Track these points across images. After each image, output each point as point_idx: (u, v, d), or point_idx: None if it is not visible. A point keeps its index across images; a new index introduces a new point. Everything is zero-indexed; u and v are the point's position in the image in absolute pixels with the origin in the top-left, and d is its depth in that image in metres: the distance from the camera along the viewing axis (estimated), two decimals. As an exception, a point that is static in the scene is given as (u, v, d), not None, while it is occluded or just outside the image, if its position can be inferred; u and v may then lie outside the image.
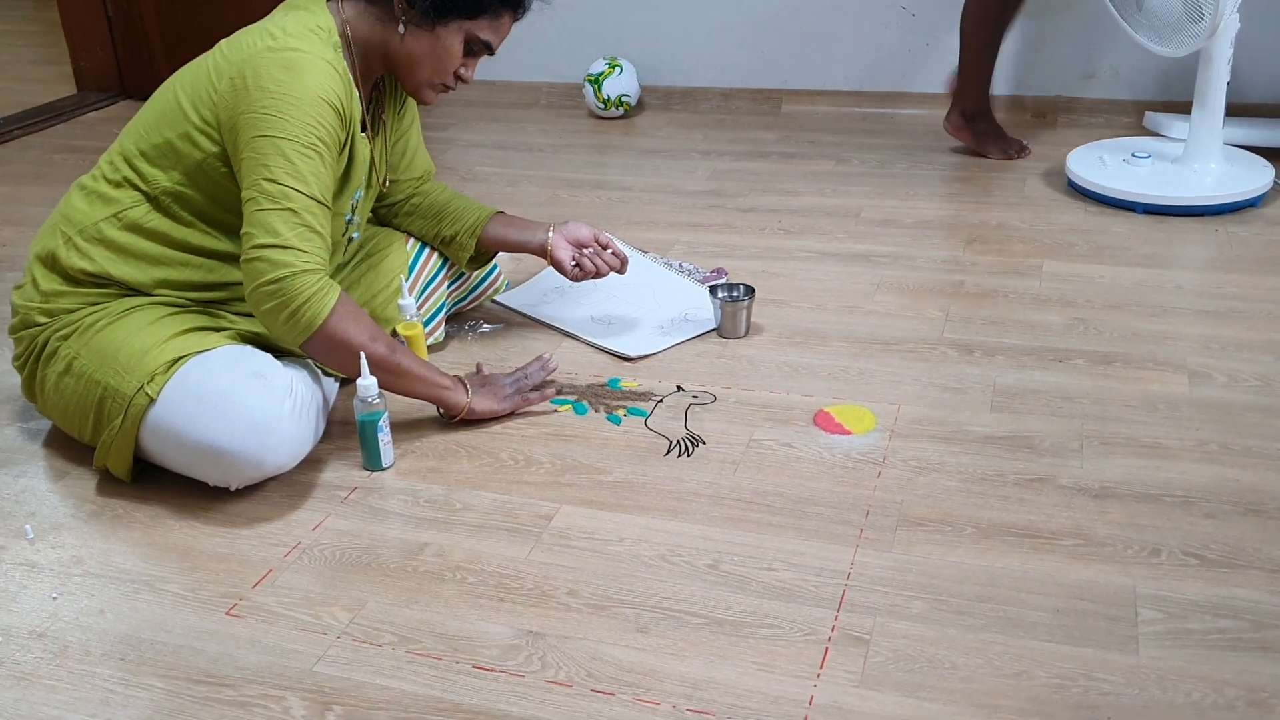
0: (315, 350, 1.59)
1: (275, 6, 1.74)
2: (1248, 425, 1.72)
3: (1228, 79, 2.54)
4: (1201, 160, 2.62)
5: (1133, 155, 2.71)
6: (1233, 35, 2.47)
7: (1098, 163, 2.73)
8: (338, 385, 1.87)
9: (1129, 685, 1.24)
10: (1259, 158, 2.68)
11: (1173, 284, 2.22)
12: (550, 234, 1.97)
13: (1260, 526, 1.49)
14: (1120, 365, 1.92)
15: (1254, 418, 1.74)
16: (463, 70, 1.77)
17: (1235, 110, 2.73)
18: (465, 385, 1.77)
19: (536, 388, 1.85)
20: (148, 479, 1.66)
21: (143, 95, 3.85)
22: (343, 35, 1.69)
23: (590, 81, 3.45)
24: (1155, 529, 1.49)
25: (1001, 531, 1.50)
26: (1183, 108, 2.90)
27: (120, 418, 1.57)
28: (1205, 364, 1.90)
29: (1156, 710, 1.20)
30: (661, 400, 1.86)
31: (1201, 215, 2.54)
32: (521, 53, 3.53)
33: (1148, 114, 3.01)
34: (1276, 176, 2.62)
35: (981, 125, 2.95)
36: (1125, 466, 1.63)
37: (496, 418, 1.80)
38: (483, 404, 1.78)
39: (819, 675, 1.27)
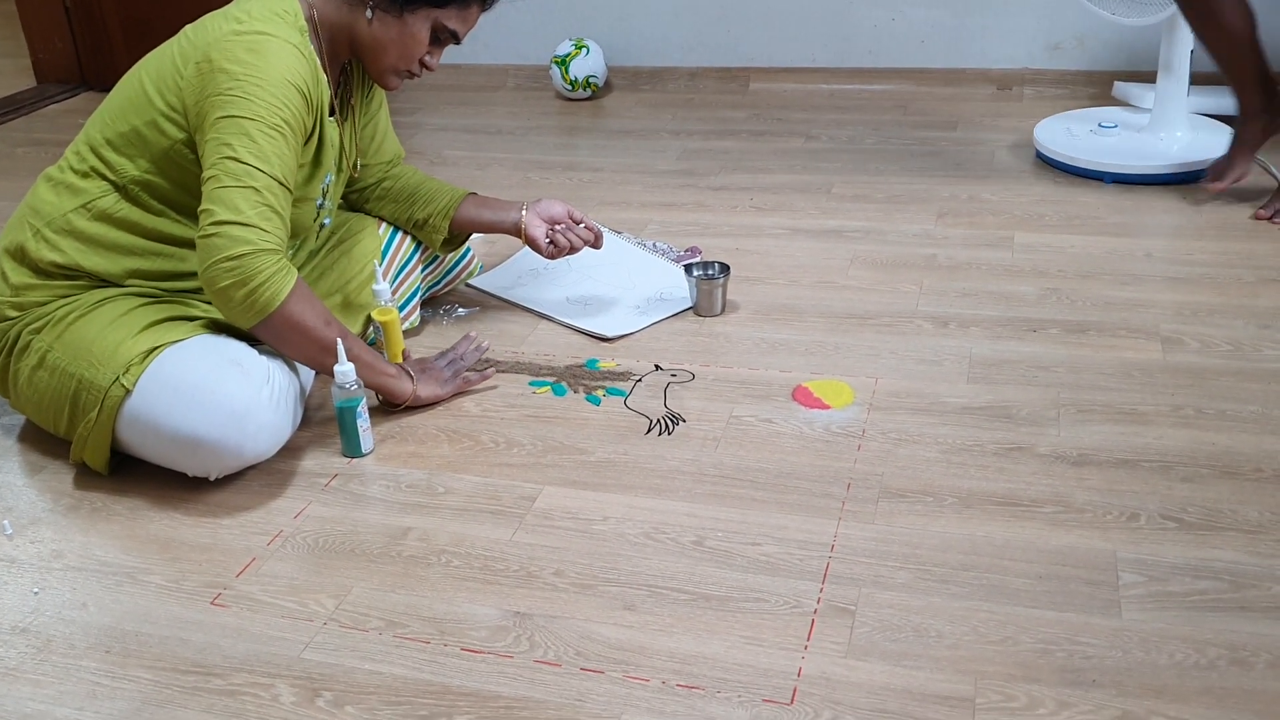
0: (269, 333, 1.58)
1: None
2: (1221, 389, 1.74)
3: (1192, 47, 2.56)
4: (1168, 129, 2.64)
5: (1100, 125, 2.72)
6: (1196, 3, 2.48)
7: (1065, 133, 2.75)
8: (314, 372, 1.86)
9: (1113, 648, 1.25)
10: (1224, 125, 2.69)
11: (1143, 252, 2.24)
12: (524, 212, 1.97)
13: (1236, 488, 1.51)
14: (1094, 333, 1.93)
15: (1227, 381, 1.76)
16: (428, 58, 1.75)
17: (1200, 79, 2.75)
18: (409, 373, 1.77)
19: (473, 368, 1.85)
20: (125, 471, 1.65)
21: (104, 86, 3.80)
22: (309, 19, 1.67)
23: (557, 63, 3.43)
24: (1134, 494, 1.51)
25: (982, 500, 1.51)
26: (1147, 77, 2.92)
27: (96, 410, 1.55)
28: (1177, 330, 1.92)
29: (1140, 672, 1.22)
30: (640, 379, 1.86)
31: (1169, 183, 2.56)
32: (487, 35, 3.50)
33: (1117, 84, 3.03)
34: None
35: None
36: (1102, 433, 1.64)
37: (439, 401, 1.80)
38: (427, 390, 1.78)
39: (806, 647, 1.28)
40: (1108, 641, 1.26)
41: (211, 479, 1.60)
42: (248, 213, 1.51)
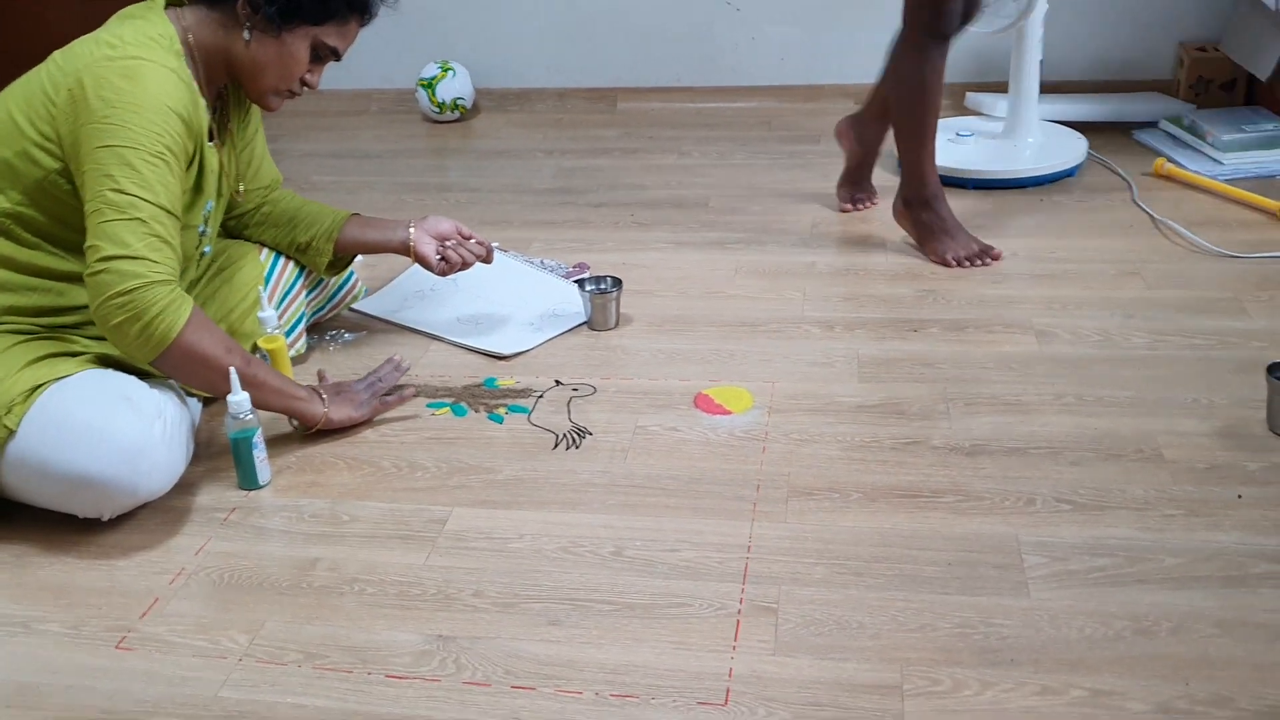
0: (169, 365, 1.52)
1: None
2: (1096, 376, 1.83)
3: (1040, 58, 2.69)
4: (1021, 136, 2.77)
5: (957, 134, 2.84)
6: (1043, 14, 2.62)
7: (926, 143, 2.85)
8: (202, 405, 1.80)
9: (1025, 627, 1.30)
10: (1073, 130, 2.84)
11: (1009, 252, 2.34)
12: (411, 230, 1.94)
13: (1121, 469, 1.58)
14: (972, 330, 2.01)
15: (1101, 369, 1.85)
16: (309, 76, 1.72)
17: (1048, 87, 2.89)
18: (320, 395, 1.73)
19: (391, 391, 1.82)
20: (5, 517, 1.56)
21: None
22: (184, 43, 1.62)
23: (423, 86, 3.40)
24: (1027, 479, 1.57)
25: (886, 494, 1.56)
26: (997, 87, 3.05)
27: (-25, 454, 1.47)
28: (1049, 323, 2.01)
29: (1053, 647, 1.27)
30: (541, 395, 1.85)
31: (1026, 187, 2.68)
32: (349, 59, 3.41)
33: (969, 94, 3.16)
34: (1090, 147, 2.78)
35: (923, 215, 2.37)
36: (991, 424, 1.71)
37: (354, 425, 1.77)
38: (340, 412, 1.74)
39: (734, 647, 1.29)
40: (1020, 621, 1.31)
41: (104, 519, 1.53)
42: (135, 245, 1.46)
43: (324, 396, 1.73)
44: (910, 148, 2.33)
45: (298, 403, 1.69)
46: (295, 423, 1.74)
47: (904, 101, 2.30)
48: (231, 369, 1.55)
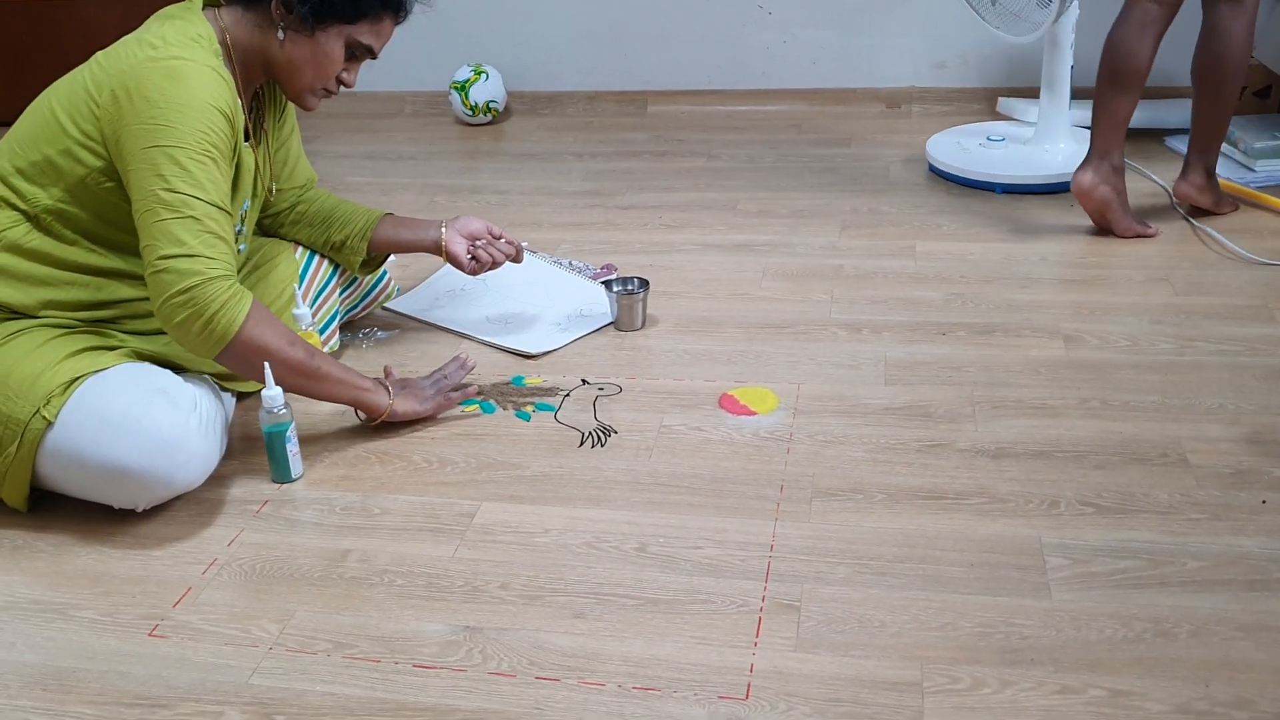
0: (231, 359, 1.56)
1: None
2: (1122, 381, 1.83)
3: (1072, 63, 2.69)
4: (1052, 141, 2.77)
5: (988, 139, 2.84)
6: (1074, 21, 2.62)
7: (956, 147, 2.85)
8: (235, 400, 1.83)
9: (1046, 627, 1.31)
10: (1103, 136, 2.83)
11: (1038, 257, 2.34)
12: (443, 230, 1.97)
13: (1145, 473, 1.59)
14: (999, 334, 2.01)
15: (1127, 374, 1.85)
16: (345, 74, 1.75)
17: (1080, 93, 2.88)
18: (386, 387, 1.76)
19: (457, 388, 1.85)
20: (44, 507, 1.60)
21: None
22: (222, 43, 1.66)
23: (456, 88, 3.44)
24: (1052, 482, 1.58)
25: (910, 495, 1.57)
26: (1028, 92, 3.05)
27: (15, 444, 1.51)
28: (1077, 328, 2.01)
29: (1074, 648, 1.28)
30: (568, 394, 1.87)
31: (1056, 192, 2.67)
32: (383, 61, 3.47)
33: (1001, 99, 3.16)
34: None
35: (1214, 181, 2.41)
36: (1017, 427, 1.71)
37: (418, 419, 1.79)
38: (405, 405, 1.76)
39: (756, 643, 1.31)
40: (1041, 621, 1.32)
41: (139, 510, 1.57)
42: (191, 243, 1.49)
43: (389, 389, 1.75)
44: (1226, 115, 2.30)
45: (363, 393, 1.71)
46: (361, 414, 1.77)
47: (1230, 65, 2.24)
48: (266, 365, 1.58)
